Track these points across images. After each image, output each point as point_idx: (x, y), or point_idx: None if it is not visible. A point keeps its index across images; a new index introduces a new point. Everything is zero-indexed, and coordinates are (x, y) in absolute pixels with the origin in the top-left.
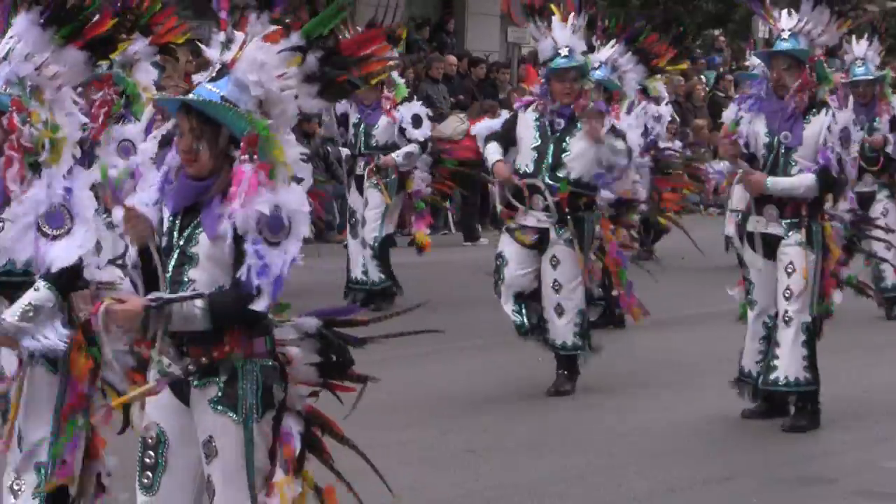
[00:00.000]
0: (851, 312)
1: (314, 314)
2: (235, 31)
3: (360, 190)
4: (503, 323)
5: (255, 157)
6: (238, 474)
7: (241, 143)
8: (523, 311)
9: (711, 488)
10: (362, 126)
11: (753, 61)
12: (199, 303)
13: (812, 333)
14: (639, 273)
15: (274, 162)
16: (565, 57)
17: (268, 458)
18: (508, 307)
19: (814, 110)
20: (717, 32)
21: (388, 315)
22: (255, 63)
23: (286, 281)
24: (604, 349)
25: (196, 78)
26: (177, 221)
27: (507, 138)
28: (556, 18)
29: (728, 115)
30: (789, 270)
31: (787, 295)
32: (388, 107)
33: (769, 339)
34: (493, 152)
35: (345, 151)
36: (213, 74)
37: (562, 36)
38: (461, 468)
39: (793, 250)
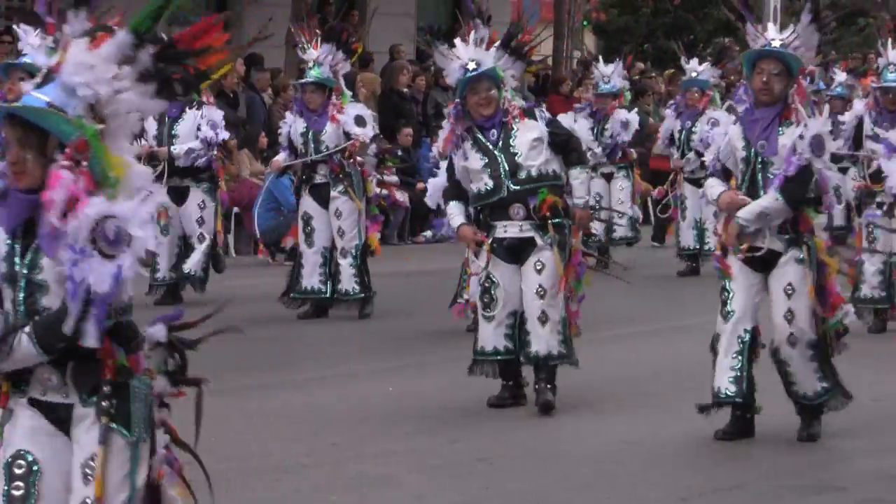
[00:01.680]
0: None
1: (159, 321)
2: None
3: (320, 200)
4: None
5: (84, 163)
6: (121, 495)
7: (67, 149)
8: (516, 334)
9: (722, 496)
10: (311, 133)
11: (695, 66)
12: (28, 329)
13: (819, 347)
14: (645, 281)
15: (104, 169)
16: (473, 69)
17: (144, 481)
18: (500, 331)
19: (789, 122)
20: (727, 40)
21: (219, 332)
22: (81, 65)
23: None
24: (610, 358)
25: (25, 87)
26: (16, 245)
27: (459, 187)
28: (458, 40)
29: (667, 125)
30: (788, 292)
31: (788, 318)
32: (333, 112)
33: (742, 355)
34: (455, 215)
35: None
36: (40, 80)
37: (465, 52)
38: (470, 476)
39: (792, 269)
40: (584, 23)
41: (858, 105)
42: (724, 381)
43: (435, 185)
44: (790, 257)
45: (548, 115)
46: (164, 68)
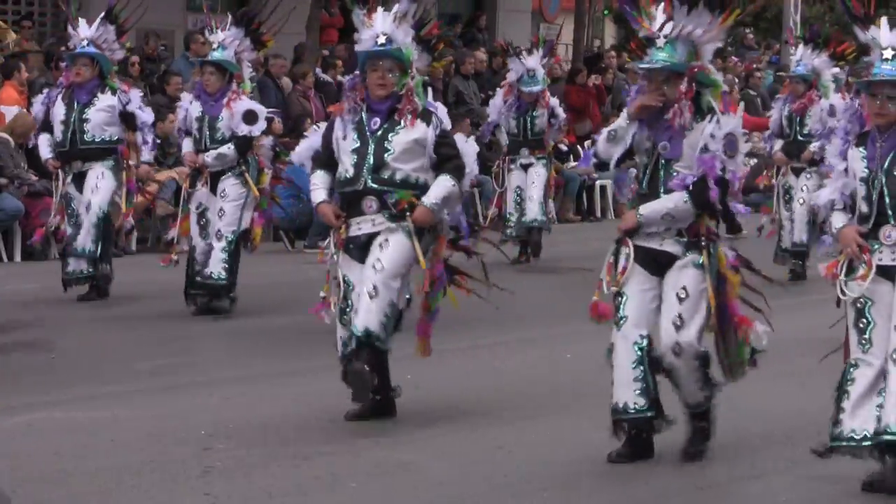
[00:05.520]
0: None
1: None
2: None
3: (214, 188)
4: (533, 320)
5: None
6: None
7: None
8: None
9: (742, 485)
10: (206, 119)
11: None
12: None
13: (705, 358)
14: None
15: None
16: (382, 45)
17: None
18: (344, 332)
19: (697, 118)
20: (747, 31)
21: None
22: None
23: None
24: None
25: None
26: None
27: (330, 157)
28: (381, 8)
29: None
30: (681, 296)
31: (677, 324)
32: (231, 98)
33: (643, 364)
34: (317, 188)
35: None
36: None
37: (381, 23)
38: (490, 464)
39: (689, 273)
40: (605, 11)
41: None
42: (630, 395)
43: (307, 146)
44: (688, 261)
45: (447, 121)
46: None
